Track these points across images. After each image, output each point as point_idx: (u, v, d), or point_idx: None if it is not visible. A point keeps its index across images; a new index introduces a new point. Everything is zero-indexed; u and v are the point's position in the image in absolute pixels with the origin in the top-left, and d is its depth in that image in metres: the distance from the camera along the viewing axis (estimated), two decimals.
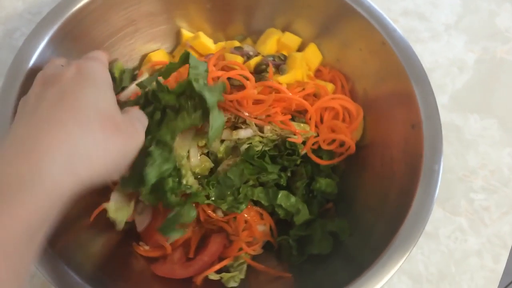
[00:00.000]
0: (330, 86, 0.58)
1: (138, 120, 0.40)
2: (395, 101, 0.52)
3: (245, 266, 0.51)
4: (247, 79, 0.51)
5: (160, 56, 0.60)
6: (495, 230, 0.60)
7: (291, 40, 0.60)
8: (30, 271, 0.30)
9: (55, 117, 0.31)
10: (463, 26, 0.75)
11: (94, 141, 0.32)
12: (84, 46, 0.52)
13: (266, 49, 0.59)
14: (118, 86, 0.55)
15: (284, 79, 0.55)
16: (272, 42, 0.59)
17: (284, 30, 0.61)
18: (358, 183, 0.55)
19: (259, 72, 0.55)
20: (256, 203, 0.52)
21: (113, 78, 0.54)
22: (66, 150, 0.30)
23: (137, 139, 0.38)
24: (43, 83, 0.36)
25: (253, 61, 0.56)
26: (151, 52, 0.61)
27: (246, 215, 0.51)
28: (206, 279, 0.50)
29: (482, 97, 0.69)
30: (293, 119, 0.54)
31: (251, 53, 0.58)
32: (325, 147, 0.54)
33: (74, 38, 0.51)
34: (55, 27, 0.49)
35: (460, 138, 0.66)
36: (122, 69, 0.57)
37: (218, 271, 0.50)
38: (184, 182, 0.46)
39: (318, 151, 0.55)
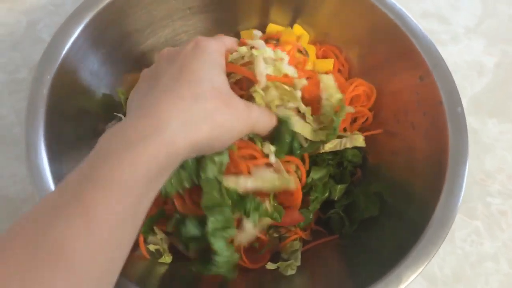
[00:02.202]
0: (329, 62, 0.59)
1: (253, 106, 0.41)
2: (396, 58, 0.53)
3: (299, 254, 0.51)
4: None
5: None
6: (511, 234, 0.60)
7: (274, 28, 0.60)
8: (142, 220, 0.32)
9: (174, 90, 0.35)
10: (483, 29, 0.75)
11: (204, 112, 0.35)
12: (118, 35, 0.53)
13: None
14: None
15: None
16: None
17: (262, 24, 0.62)
18: (379, 149, 0.56)
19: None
20: None
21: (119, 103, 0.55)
22: (182, 117, 0.34)
23: (245, 116, 0.39)
24: (167, 58, 0.40)
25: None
26: None
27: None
28: (263, 268, 0.50)
29: (500, 101, 0.69)
30: None
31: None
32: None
33: (109, 25, 0.52)
34: (90, 15, 0.49)
35: (478, 141, 0.66)
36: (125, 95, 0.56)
37: (274, 261, 0.50)
38: None
39: None
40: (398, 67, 0.53)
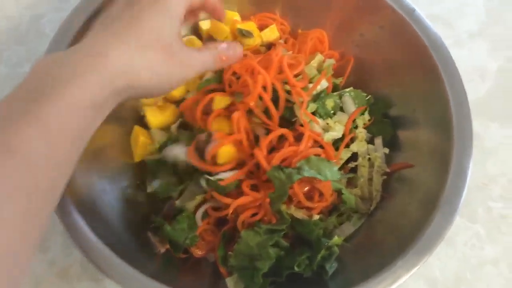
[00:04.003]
0: (273, 29, 0.62)
1: (197, 54, 0.43)
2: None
3: None
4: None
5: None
6: None
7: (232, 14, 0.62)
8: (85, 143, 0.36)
9: (122, 37, 0.37)
10: (487, 34, 0.75)
11: (147, 61, 0.38)
12: None
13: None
14: None
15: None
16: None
17: None
18: None
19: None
20: None
21: None
22: (123, 61, 0.36)
23: (186, 71, 0.42)
24: (126, 2, 0.41)
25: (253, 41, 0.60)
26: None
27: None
28: None
29: (503, 105, 0.69)
30: None
31: None
32: None
33: None
34: (94, 9, 0.49)
35: (480, 145, 0.66)
36: None
37: None
38: None
39: None
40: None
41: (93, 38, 0.38)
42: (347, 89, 0.58)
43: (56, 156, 0.32)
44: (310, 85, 0.54)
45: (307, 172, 0.47)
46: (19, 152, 0.29)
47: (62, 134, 0.32)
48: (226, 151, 0.49)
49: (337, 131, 0.54)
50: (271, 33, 0.62)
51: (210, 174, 0.49)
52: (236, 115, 0.50)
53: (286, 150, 0.49)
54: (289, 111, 0.53)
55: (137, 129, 0.55)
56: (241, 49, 0.49)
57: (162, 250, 0.49)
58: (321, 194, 0.50)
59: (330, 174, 0.48)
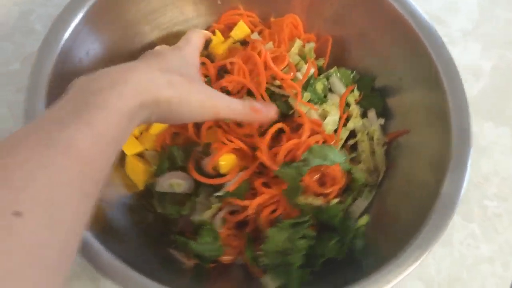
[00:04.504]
0: (242, 26, 0.61)
1: (218, 94, 0.45)
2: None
3: None
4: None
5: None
6: (507, 237, 0.60)
7: None
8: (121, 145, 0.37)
9: (146, 62, 0.41)
10: (480, 33, 0.75)
11: (168, 81, 0.40)
12: (117, 22, 0.53)
13: None
14: None
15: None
16: None
17: None
18: None
19: None
20: None
21: None
22: (149, 76, 0.39)
23: (207, 98, 0.43)
24: (150, 53, 0.45)
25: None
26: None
27: None
28: None
29: (497, 104, 0.70)
30: None
31: None
32: None
33: (108, 12, 0.52)
34: (90, 2, 0.48)
35: (475, 144, 0.65)
36: None
37: None
38: None
39: None
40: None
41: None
42: (332, 70, 0.59)
43: (101, 160, 0.33)
44: (298, 73, 0.55)
45: (314, 162, 0.47)
46: (71, 149, 0.30)
47: (106, 140, 0.33)
48: (227, 160, 0.49)
49: (334, 114, 0.55)
50: (241, 31, 0.61)
51: (216, 186, 0.49)
52: (220, 132, 0.51)
53: (288, 145, 0.49)
54: (284, 105, 0.53)
55: (130, 158, 0.54)
56: (276, 111, 0.49)
57: (191, 264, 0.49)
58: (333, 178, 0.51)
59: (336, 158, 0.49)
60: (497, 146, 0.66)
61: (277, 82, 0.53)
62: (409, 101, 0.56)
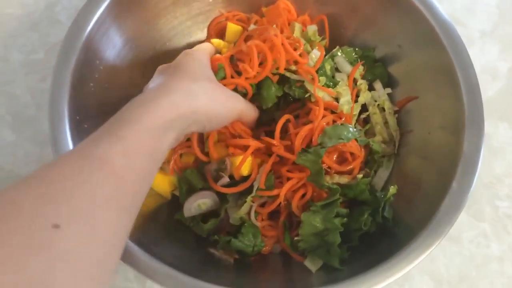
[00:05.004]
0: (233, 27, 0.61)
1: (239, 96, 0.50)
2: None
3: None
4: None
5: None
6: None
7: None
8: (160, 161, 0.39)
9: (176, 76, 0.44)
10: (498, 34, 0.75)
11: (202, 88, 0.44)
12: (140, 13, 0.55)
13: None
14: None
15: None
16: None
17: None
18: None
19: None
20: None
21: None
22: (185, 89, 0.42)
23: (235, 100, 0.49)
24: (163, 68, 0.48)
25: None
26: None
27: None
28: None
29: None
30: None
31: None
32: None
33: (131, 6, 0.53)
34: None
35: (488, 145, 0.66)
36: None
37: None
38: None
39: None
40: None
41: (151, 84, 0.45)
42: (335, 49, 0.60)
43: (137, 174, 0.35)
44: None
45: (330, 142, 0.49)
46: (106, 164, 0.32)
47: (139, 152, 0.35)
48: (245, 162, 0.50)
49: (346, 94, 0.57)
50: (232, 32, 0.61)
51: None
52: (230, 139, 0.52)
53: (303, 132, 0.50)
54: (299, 90, 0.54)
55: None
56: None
57: (232, 260, 0.51)
58: (352, 154, 0.53)
59: (350, 134, 0.50)
60: (511, 147, 0.66)
61: (292, 67, 0.54)
62: (412, 66, 0.57)
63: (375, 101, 0.59)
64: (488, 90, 0.70)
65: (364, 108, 0.59)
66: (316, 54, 0.56)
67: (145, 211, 0.50)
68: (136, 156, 0.35)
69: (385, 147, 0.57)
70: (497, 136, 0.67)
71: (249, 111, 0.51)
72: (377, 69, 0.61)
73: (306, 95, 0.54)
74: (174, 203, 0.54)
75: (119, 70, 0.54)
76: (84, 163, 0.32)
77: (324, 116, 0.52)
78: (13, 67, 0.64)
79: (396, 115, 0.58)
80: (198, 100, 0.42)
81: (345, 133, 0.50)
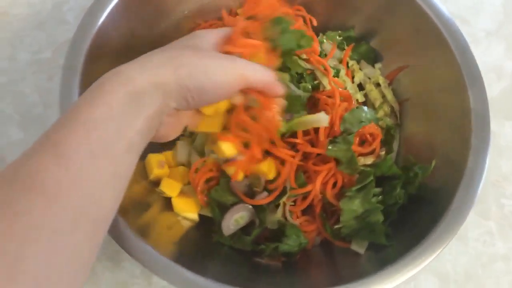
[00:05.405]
0: None
1: (237, 58, 0.42)
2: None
3: None
4: None
5: None
6: None
7: None
8: (125, 160, 0.34)
9: (158, 50, 0.39)
10: (504, 33, 0.75)
11: (168, 57, 0.37)
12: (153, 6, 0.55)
13: None
14: None
15: None
16: None
17: None
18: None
19: None
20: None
21: None
22: (141, 62, 0.37)
23: (227, 63, 0.40)
24: None
25: None
26: None
27: None
28: None
29: None
30: None
31: None
32: None
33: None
34: None
35: (495, 144, 0.66)
36: None
37: None
38: None
39: None
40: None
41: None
42: (319, 37, 0.61)
43: (81, 185, 0.31)
44: None
45: (354, 128, 0.51)
46: (34, 185, 0.29)
47: (86, 155, 0.31)
48: (267, 167, 0.50)
49: (349, 81, 0.59)
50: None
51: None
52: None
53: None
54: (310, 78, 0.55)
55: (176, 200, 0.53)
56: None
57: (280, 264, 0.51)
58: (371, 134, 0.54)
59: (369, 115, 0.52)
60: None
61: (303, 55, 0.55)
62: (396, 37, 0.59)
63: (369, 78, 0.61)
64: (494, 89, 0.70)
65: (359, 88, 0.61)
66: (327, 46, 0.58)
67: (175, 236, 0.51)
68: (74, 168, 0.30)
69: (388, 120, 0.59)
70: (503, 135, 0.67)
71: (257, 73, 0.41)
72: (362, 47, 0.62)
73: (315, 82, 0.55)
74: (204, 222, 0.54)
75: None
76: (11, 185, 0.29)
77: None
78: (20, 66, 0.65)
79: (391, 86, 0.61)
80: (161, 71, 0.36)
81: (363, 116, 0.51)
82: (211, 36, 0.43)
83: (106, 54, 0.50)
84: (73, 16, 0.68)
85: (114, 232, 0.41)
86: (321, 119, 0.48)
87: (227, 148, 0.46)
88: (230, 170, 0.49)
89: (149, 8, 0.55)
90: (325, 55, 0.59)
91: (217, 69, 0.38)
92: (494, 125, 0.66)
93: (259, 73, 0.41)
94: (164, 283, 0.55)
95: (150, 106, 0.35)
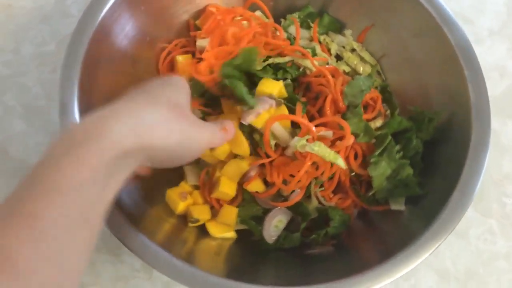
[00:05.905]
0: None
1: (206, 124, 0.43)
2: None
3: None
4: None
5: None
6: None
7: None
8: (100, 223, 0.32)
9: (132, 100, 0.37)
10: (506, 33, 0.75)
11: (159, 116, 0.36)
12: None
13: None
14: None
15: None
16: None
17: None
18: None
19: None
20: None
21: None
22: (133, 117, 0.34)
23: (205, 132, 0.41)
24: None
25: None
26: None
27: None
28: None
29: None
30: None
31: None
32: None
33: None
34: None
35: (497, 142, 0.66)
36: None
37: None
38: None
39: None
40: None
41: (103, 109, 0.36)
42: (282, 23, 0.63)
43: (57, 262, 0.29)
44: None
45: (358, 98, 0.52)
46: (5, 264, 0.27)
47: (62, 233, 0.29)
48: (228, 188, 0.51)
49: (325, 55, 0.60)
50: (184, 64, 0.58)
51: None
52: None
53: (328, 101, 0.52)
54: (293, 69, 0.55)
55: (209, 225, 0.53)
56: (233, 125, 0.48)
57: (332, 247, 0.52)
58: (371, 98, 0.56)
59: (368, 81, 0.53)
60: None
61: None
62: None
63: (343, 47, 0.63)
64: (497, 88, 0.71)
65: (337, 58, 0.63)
66: (292, 29, 0.59)
67: (222, 257, 0.50)
68: (51, 242, 0.28)
69: (377, 79, 0.61)
70: (505, 133, 0.67)
71: (222, 140, 0.45)
72: (324, 20, 0.63)
73: (301, 70, 0.55)
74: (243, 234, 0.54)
75: (130, 58, 0.54)
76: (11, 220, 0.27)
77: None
78: (24, 59, 0.65)
79: (364, 47, 0.63)
80: (152, 131, 0.34)
81: (362, 84, 0.52)
82: (185, 84, 0.43)
83: (107, 47, 0.50)
84: (77, 9, 0.68)
85: (114, 228, 0.42)
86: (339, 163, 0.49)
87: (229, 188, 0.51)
88: (251, 188, 0.51)
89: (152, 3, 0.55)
90: (295, 38, 0.60)
91: (192, 143, 0.39)
92: (496, 124, 0.67)
93: (217, 138, 0.44)
94: (165, 278, 0.55)
95: (131, 167, 0.34)
